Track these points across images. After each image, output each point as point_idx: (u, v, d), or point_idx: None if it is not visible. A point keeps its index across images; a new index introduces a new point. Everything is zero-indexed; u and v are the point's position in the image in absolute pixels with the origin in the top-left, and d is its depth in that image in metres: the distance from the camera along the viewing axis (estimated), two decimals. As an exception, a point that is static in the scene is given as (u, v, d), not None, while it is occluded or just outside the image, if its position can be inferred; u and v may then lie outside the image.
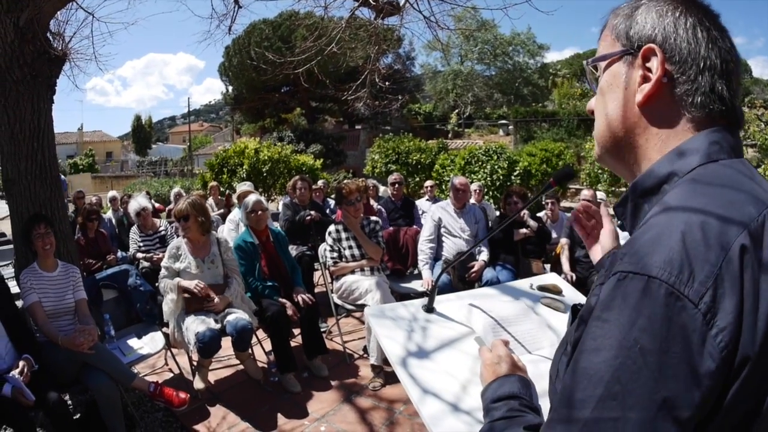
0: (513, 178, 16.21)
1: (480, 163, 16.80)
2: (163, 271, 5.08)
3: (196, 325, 4.68)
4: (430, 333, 2.18)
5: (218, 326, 4.76)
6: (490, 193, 15.80)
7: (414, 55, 42.54)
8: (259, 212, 5.57)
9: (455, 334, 2.18)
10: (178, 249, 5.12)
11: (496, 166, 16.39)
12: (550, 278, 2.87)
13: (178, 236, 7.62)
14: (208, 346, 4.58)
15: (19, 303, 4.63)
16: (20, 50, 4.69)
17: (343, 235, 5.77)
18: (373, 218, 6.10)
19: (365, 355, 5.64)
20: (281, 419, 4.62)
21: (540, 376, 1.46)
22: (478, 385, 1.54)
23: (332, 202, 10.76)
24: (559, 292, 2.69)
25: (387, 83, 7.10)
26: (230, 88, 42.31)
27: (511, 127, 37.02)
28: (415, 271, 6.81)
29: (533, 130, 33.13)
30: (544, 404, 1.18)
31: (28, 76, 4.75)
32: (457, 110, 42.17)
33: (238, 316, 4.85)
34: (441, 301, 2.38)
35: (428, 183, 10.23)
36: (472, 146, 19.73)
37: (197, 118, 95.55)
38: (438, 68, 47.04)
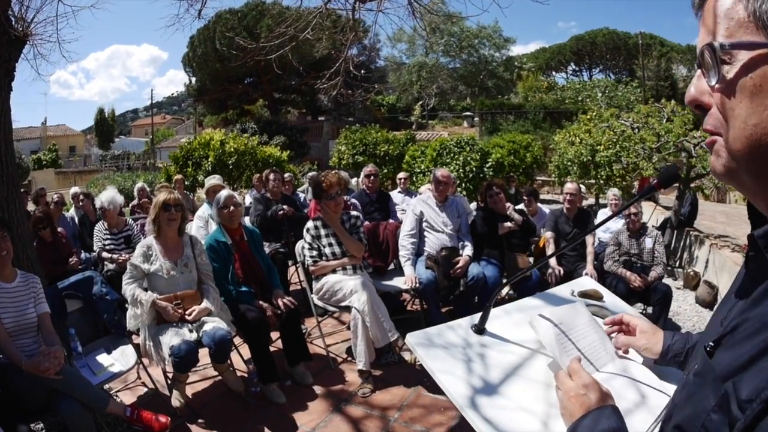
0: (486, 169, 16.10)
1: (452, 154, 16.72)
2: (129, 270, 4.64)
3: (169, 338, 4.29)
4: (489, 360, 1.89)
5: (194, 337, 4.35)
6: (463, 185, 15.69)
7: (379, 47, 42.49)
8: (232, 208, 5.13)
9: (516, 359, 1.91)
10: (149, 248, 4.67)
11: (468, 158, 16.26)
12: (588, 283, 2.63)
13: (143, 234, 7.23)
14: (184, 360, 4.18)
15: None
16: (-29, 30, 4.25)
17: (322, 231, 5.42)
18: (354, 213, 5.76)
19: (350, 359, 5.35)
20: None
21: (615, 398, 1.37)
22: (559, 419, 1.41)
23: (302, 196, 10.45)
24: (600, 298, 2.47)
25: (362, 72, 6.89)
26: (194, 80, 42.03)
27: (476, 119, 37.13)
28: (392, 267, 6.53)
29: (499, 122, 33.43)
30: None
31: None
32: (421, 102, 42.36)
33: (215, 325, 4.44)
34: (489, 319, 2.06)
35: (401, 175, 10.06)
36: (443, 137, 19.77)
37: (160, 111, 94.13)
38: (403, 60, 47.13)
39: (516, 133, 22.33)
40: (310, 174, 12.63)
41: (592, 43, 50.19)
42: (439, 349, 1.93)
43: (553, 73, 53.01)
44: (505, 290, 6.49)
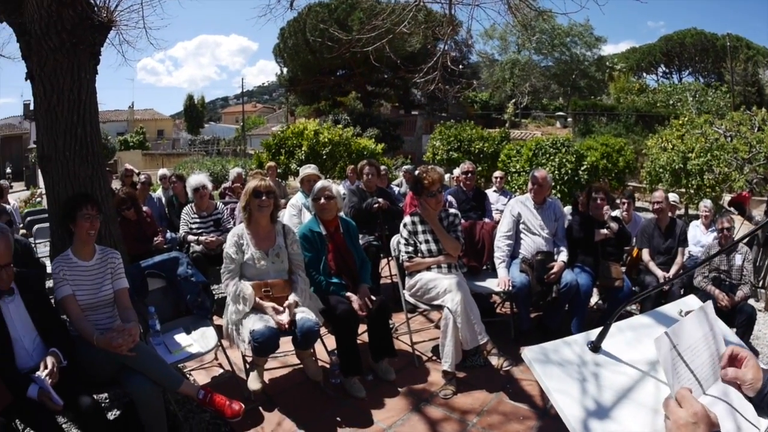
0: (580, 173, 15.62)
1: (547, 155, 16.19)
2: (226, 264, 4.55)
3: (252, 322, 4.19)
4: (602, 381, 1.81)
5: (286, 319, 4.24)
6: (557, 187, 15.28)
7: (471, 42, 42.19)
8: (322, 200, 4.98)
9: (628, 381, 1.82)
10: (240, 237, 4.58)
11: (564, 160, 15.78)
12: (694, 303, 2.43)
13: (233, 219, 7.21)
14: (264, 345, 4.09)
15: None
16: (58, 15, 4.26)
17: (420, 227, 5.20)
18: (452, 210, 5.52)
19: (435, 358, 5.16)
20: (343, 428, 4.15)
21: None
22: None
23: (396, 189, 10.30)
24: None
25: (461, 67, 6.78)
26: (285, 70, 42.56)
27: (569, 119, 36.46)
28: (484, 268, 6.25)
29: (591, 124, 32.71)
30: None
31: (67, 43, 4.30)
32: (513, 100, 41.82)
33: (304, 316, 4.32)
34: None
35: (497, 174, 9.78)
36: (539, 137, 19.28)
37: (250, 99, 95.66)
38: (495, 56, 46.62)
39: (609, 135, 21.74)
40: (404, 167, 12.43)
41: (680, 44, 48.17)
42: (555, 367, 1.86)
43: (644, 74, 51.34)
44: (593, 299, 6.19)
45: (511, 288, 5.49)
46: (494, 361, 4.59)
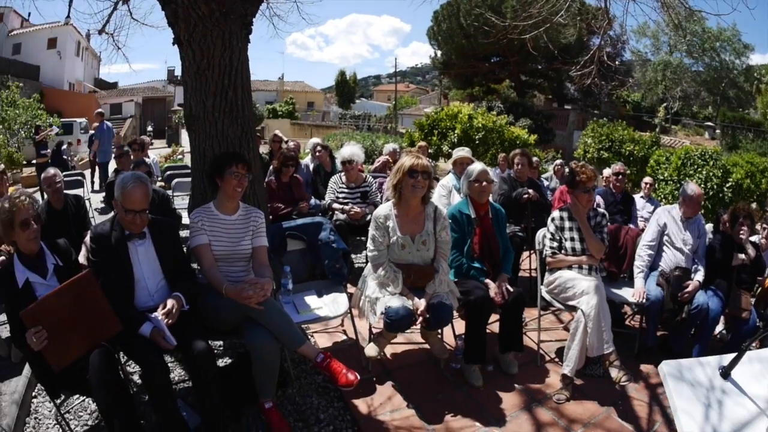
0: (725, 189, 14.75)
1: (695, 167, 15.37)
2: (375, 245, 4.35)
3: (389, 298, 4.11)
4: (725, 410, 1.96)
5: (423, 306, 4.11)
6: (702, 202, 14.26)
7: (625, 38, 40.69)
8: (484, 183, 4.85)
9: (747, 415, 1.95)
10: (386, 219, 4.38)
11: (711, 174, 14.95)
12: None
13: (381, 193, 7.19)
14: (396, 324, 4.02)
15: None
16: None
17: (567, 224, 5.01)
18: (601, 210, 5.28)
19: (557, 360, 4.96)
20: (451, 414, 4.06)
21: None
22: None
23: (546, 183, 10.06)
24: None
25: (617, 63, 6.54)
26: (439, 53, 42.61)
27: (717, 131, 34.61)
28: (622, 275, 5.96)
29: (738, 138, 30.85)
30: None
31: (216, 12, 4.33)
32: (665, 104, 39.98)
33: (441, 300, 4.18)
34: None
35: (647, 179, 9.28)
36: (689, 146, 18.34)
37: (403, 79, 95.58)
38: (647, 56, 44.79)
39: (754, 154, 20.39)
40: (556, 162, 12.12)
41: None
42: (687, 386, 2.01)
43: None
44: (718, 328, 5.79)
45: (644, 301, 5.17)
46: (613, 373, 4.38)
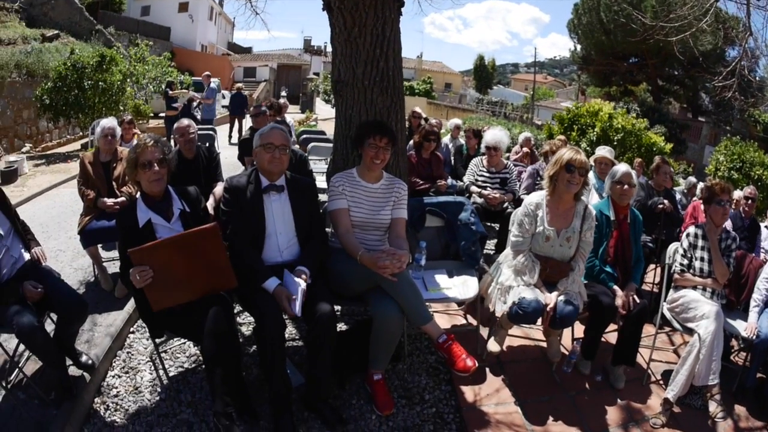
0: None
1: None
2: (520, 231, 4.27)
3: (523, 289, 4.04)
4: None
5: (559, 301, 4.03)
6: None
7: (759, 53, 38.14)
8: (626, 186, 4.66)
9: None
10: (537, 207, 4.26)
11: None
12: None
13: (520, 182, 7.07)
14: (526, 316, 3.95)
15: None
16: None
17: (700, 242, 4.76)
18: (733, 233, 4.97)
19: (661, 382, 4.71)
20: (552, 418, 3.99)
21: None
22: None
23: (679, 196, 9.65)
24: None
25: (757, 78, 6.18)
26: (578, 47, 41.58)
27: None
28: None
29: None
30: None
31: None
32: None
33: (569, 298, 4.06)
34: None
35: (775, 210, 8.66)
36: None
37: (541, 70, 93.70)
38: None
39: None
40: (690, 179, 11.51)
41: None
42: None
43: None
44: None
45: (754, 337, 4.70)
46: (712, 407, 4.14)
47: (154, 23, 38.47)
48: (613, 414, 4.18)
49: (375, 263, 3.52)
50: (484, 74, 61.33)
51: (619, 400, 4.35)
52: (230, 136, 18.39)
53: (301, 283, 3.49)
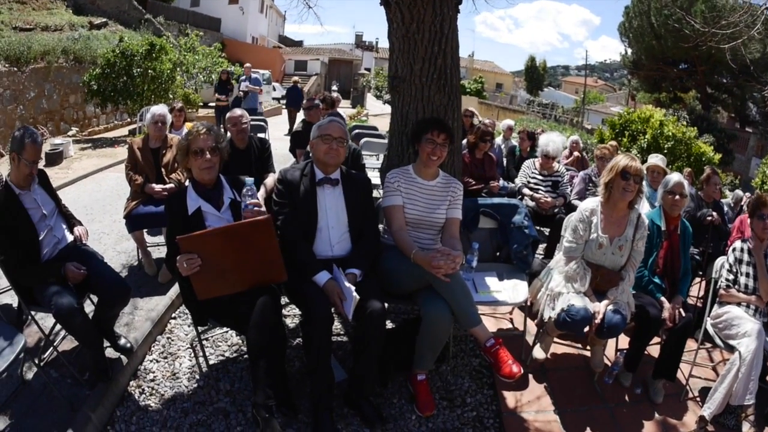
0: None
1: None
2: (574, 237, 4.23)
3: (573, 296, 4.01)
4: None
5: (609, 309, 3.99)
6: None
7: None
8: (677, 197, 4.59)
9: None
10: (591, 213, 4.21)
11: None
12: None
13: (571, 187, 6.99)
14: (573, 324, 3.90)
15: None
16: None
17: (746, 257, 4.63)
18: None
19: (698, 399, 4.61)
20: (590, 429, 3.95)
21: None
22: None
23: (726, 209, 9.48)
24: None
25: None
26: (629, 51, 41.12)
27: None
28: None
29: None
30: None
31: None
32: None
33: (617, 308, 4.01)
34: None
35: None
36: None
37: (591, 74, 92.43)
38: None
39: None
40: (737, 192, 11.30)
41: None
42: None
43: None
44: None
45: None
46: (745, 428, 4.11)
47: (204, 14, 38.77)
48: (649, 429, 4.13)
49: (429, 262, 3.49)
50: (535, 75, 61.06)
51: (656, 415, 4.30)
52: (291, 129, 18.14)
53: (353, 290, 3.45)
